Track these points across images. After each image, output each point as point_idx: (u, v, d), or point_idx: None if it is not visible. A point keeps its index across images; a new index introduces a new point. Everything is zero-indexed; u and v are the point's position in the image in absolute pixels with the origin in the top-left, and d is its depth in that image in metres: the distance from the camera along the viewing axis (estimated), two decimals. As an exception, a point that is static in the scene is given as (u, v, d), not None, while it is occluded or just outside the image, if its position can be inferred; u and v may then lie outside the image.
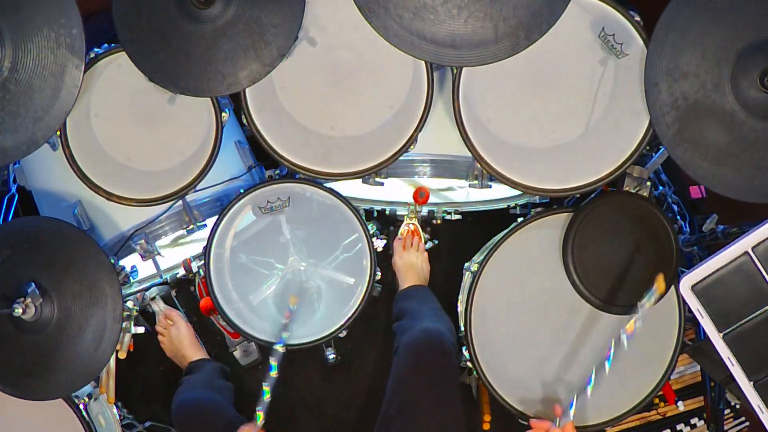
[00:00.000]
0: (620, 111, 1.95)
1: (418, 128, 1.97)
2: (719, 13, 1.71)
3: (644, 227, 1.99)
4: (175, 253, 2.32)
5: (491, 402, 2.43)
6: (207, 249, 2.12)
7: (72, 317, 1.89)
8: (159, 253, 2.16)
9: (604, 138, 1.97)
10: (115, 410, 2.19)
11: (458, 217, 2.46)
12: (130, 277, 2.12)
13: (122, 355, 2.16)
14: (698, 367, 2.50)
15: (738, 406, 2.47)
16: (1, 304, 1.82)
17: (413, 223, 2.44)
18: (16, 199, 2.32)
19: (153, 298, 2.47)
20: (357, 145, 2.03)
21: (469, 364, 2.17)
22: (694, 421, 2.50)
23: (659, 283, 1.79)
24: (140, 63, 1.85)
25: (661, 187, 2.36)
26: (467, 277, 2.25)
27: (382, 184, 2.08)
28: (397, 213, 2.46)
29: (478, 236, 2.39)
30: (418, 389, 2.05)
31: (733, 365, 1.72)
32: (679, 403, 2.49)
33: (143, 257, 2.13)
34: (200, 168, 2.02)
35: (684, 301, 1.81)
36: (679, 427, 2.51)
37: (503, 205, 2.39)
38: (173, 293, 2.54)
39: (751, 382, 1.72)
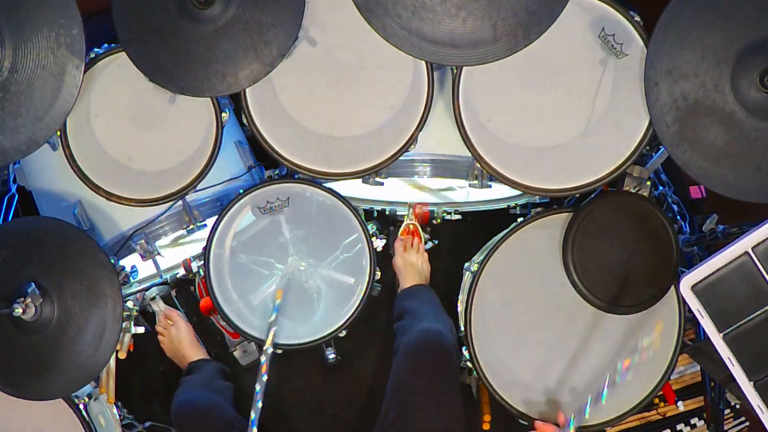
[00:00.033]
0: (620, 111, 1.95)
1: (418, 128, 1.98)
2: (719, 13, 1.71)
3: (644, 227, 1.99)
4: (175, 253, 2.32)
5: (491, 402, 2.42)
6: (206, 249, 2.13)
7: (72, 317, 1.89)
8: (159, 253, 2.16)
9: (604, 138, 1.97)
10: (115, 410, 2.19)
11: (458, 217, 2.46)
12: (130, 277, 2.12)
13: (122, 355, 2.16)
14: (698, 367, 2.50)
15: (738, 406, 2.47)
16: (1, 304, 1.82)
17: (413, 224, 2.44)
18: (16, 199, 2.32)
19: (153, 298, 2.47)
20: (357, 145, 2.03)
21: (469, 364, 2.17)
22: (694, 421, 2.50)
23: (658, 328, 1.84)
24: (140, 63, 1.85)
25: (661, 187, 2.36)
26: (467, 277, 2.25)
27: (382, 184, 2.08)
28: (397, 213, 2.46)
29: (478, 236, 2.39)
30: (418, 389, 2.05)
31: (733, 365, 1.71)
32: (679, 403, 2.49)
33: (143, 257, 2.13)
34: (200, 168, 2.02)
35: (684, 301, 1.81)
36: (679, 427, 2.51)
37: (503, 205, 2.39)
38: (173, 293, 2.54)
39: (751, 382, 1.71)
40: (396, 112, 2.01)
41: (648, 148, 1.96)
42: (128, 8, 1.82)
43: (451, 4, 1.73)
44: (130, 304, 2.14)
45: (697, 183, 2.44)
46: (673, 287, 2.03)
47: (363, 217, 2.15)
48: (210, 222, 2.14)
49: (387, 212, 2.45)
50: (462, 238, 2.56)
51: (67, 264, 1.90)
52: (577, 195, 2.09)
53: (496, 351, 2.12)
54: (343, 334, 2.18)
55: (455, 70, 1.91)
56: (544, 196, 2.15)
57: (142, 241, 2.10)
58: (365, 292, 2.16)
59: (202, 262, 2.16)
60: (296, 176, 2.11)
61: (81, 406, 2.05)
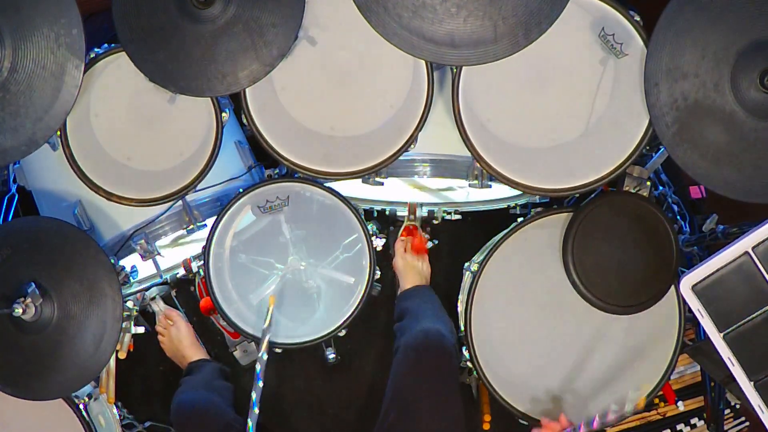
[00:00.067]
0: (620, 111, 1.94)
1: (418, 128, 1.97)
2: (719, 13, 1.71)
3: (644, 227, 1.99)
4: (175, 253, 2.32)
5: (491, 402, 2.43)
6: (206, 249, 2.12)
7: (72, 317, 1.89)
8: (159, 253, 2.16)
9: (604, 138, 1.97)
10: (115, 410, 2.19)
11: (458, 217, 2.46)
12: (130, 277, 2.12)
13: (122, 355, 2.16)
14: (698, 367, 2.50)
15: (738, 406, 2.47)
16: (1, 304, 1.82)
17: (414, 224, 2.44)
18: (16, 199, 2.32)
19: (153, 298, 2.47)
20: (357, 144, 2.03)
21: (469, 364, 2.17)
22: (694, 421, 2.50)
23: (642, 398, 1.84)
24: (140, 63, 1.85)
25: (661, 187, 2.36)
26: (467, 277, 2.25)
27: (382, 183, 2.08)
28: (397, 213, 2.46)
29: (478, 236, 2.39)
30: (418, 389, 2.05)
31: (733, 365, 1.72)
32: (679, 403, 2.49)
33: (143, 257, 2.13)
34: (200, 168, 2.02)
35: (684, 301, 1.81)
36: (679, 427, 2.51)
37: (503, 205, 2.38)
38: (173, 293, 2.54)
39: (752, 382, 1.72)
40: (396, 112, 2.01)
41: (648, 148, 1.95)
42: (128, 8, 1.81)
43: (451, 4, 1.73)
44: (130, 304, 2.14)
45: (697, 183, 2.44)
46: (673, 287, 2.02)
47: (363, 217, 2.15)
48: (210, 222, 2.14)
49: (387, 212, 2.45)
50: (462, 238, 2.56)
51: (67, 264, 1.90)
52: (577, 195, 2.09)
53: (496, 351, 2.12)
54: (342, 333, 2.18)
55: (455, 70, 1.91)
56: (544, 196, 2.15)
57: (142, 241, 2.10)
58: (365, 292, 2.16)
59: (202, 262, 2.16)
60: (296, 175, 2.11)
61: (81, 406, 2.06)
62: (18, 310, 1.78)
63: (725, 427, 2.42)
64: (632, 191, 2.02)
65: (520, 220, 2.13)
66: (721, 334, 1.72)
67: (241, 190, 2.12)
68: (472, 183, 2.09)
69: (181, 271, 2.40)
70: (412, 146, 2.00)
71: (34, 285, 1.84)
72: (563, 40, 1.89)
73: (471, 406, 2.47)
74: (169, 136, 2.03)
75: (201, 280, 2.40)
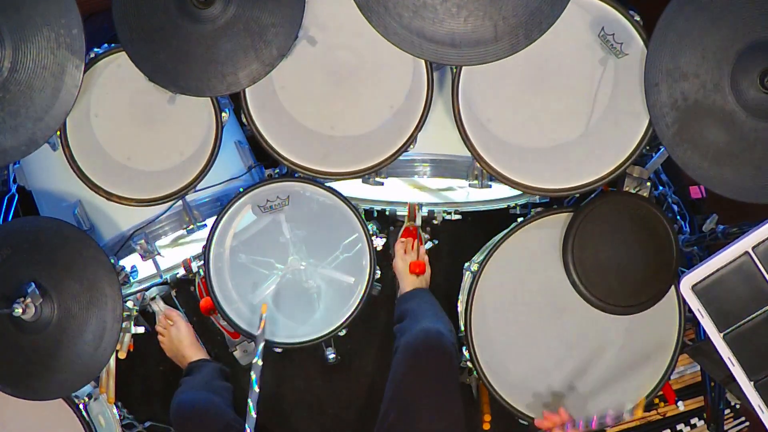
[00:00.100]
0: (620, 111, 1.94)
1: (418, 128, 1.97)
2: (719, 13, 1.71)
3: (644, 227, 1.99)
4: (175, 253, 2.32)
5: (491, 402, 2.43)
6: (206, 248, 2.12)
7: (72, 317, 1.89)
8: (159, 253, 2.16)
9: (604, 138, 1.97)
10: (115, 410, 2.19)
11: (458, 217, 2.46)
12: (130, 277, 2.12)
13: (122, 355, 2.16)
14: (698, 367, 2.50)
15: (738, 406, 2.47)
16: (1, 304, 1.82)
17: (414, 225, 2.44)
18: (16, 199, 2.32)
19: (153, 298, 2.47)
20: (357, 144, 2.03)
21: (469, 364, 2.17)
22: (694, 421, 2.50)
23: (640, 406, 1.85)
24: (140, 63, 1.85)
25: (661, 187, 2.36)
26: (467, 277, 2.25)
27: (382, 183, 2.08)
28: (397, 213, 2.46)
29: (478, 236, 2.39)
30: (418, 390, 2.05)
31: (733, 365, 1.72)
32: (679, 403, 2.49)
33: (143, 257, 2.13)
34: (200, 168, 2.01)
35: (684, 301, 1.81)
36: (679, 427, 2.51)
37: (503, 205, 2.38)
38: (173, 293, 2.54)
39: (752, 382, 1.71)
40: (396, 112, 2.01)
41: (648, 148, 1.95)
42: (128, 8, 1.81)
43: (451, 4, 1.73)
44: (130, 304, 2.14)
45: (697, 183, 2.44)
46: (673, 287, 2.03)
47: (363, 217, 2.15)
48: (210, 222, 2.14)
49: (387, 212, 2.45)
50: (462, 238, 2.56)
51: (67, 264, 1.90)
52: (577, 195, 2.09)
53: (496, 351, 2.12)
54: (343, 333, 2.18)
55: (455, 70, 1.91)
56: (544, 196, 2.15)
57: (142, 241, 2.10)
58: (365, 292, 2.16)
59: (202, 261, 2.15)
60: (296, 175, 2.11)
61: (81, 406, 2.06)
62: (18, 310, 1.78)
63: (725, 427, 2.42)
64: (632, 191, 2.01)
65: (520, 220, 2.13)
66: (721, 334, 1.72)
67: (241, 189, 2.12)
68: (472, 183, 2.09)
69: (181, 271, 2.40)
70: (412, 146, 2.00)
71: (34, 285, 1.84)
72: (563, 40, 1.89)
73: (471, 406, 2.47)
74: (169, 136, 2.03)
75: (201, 280, 2.40)
